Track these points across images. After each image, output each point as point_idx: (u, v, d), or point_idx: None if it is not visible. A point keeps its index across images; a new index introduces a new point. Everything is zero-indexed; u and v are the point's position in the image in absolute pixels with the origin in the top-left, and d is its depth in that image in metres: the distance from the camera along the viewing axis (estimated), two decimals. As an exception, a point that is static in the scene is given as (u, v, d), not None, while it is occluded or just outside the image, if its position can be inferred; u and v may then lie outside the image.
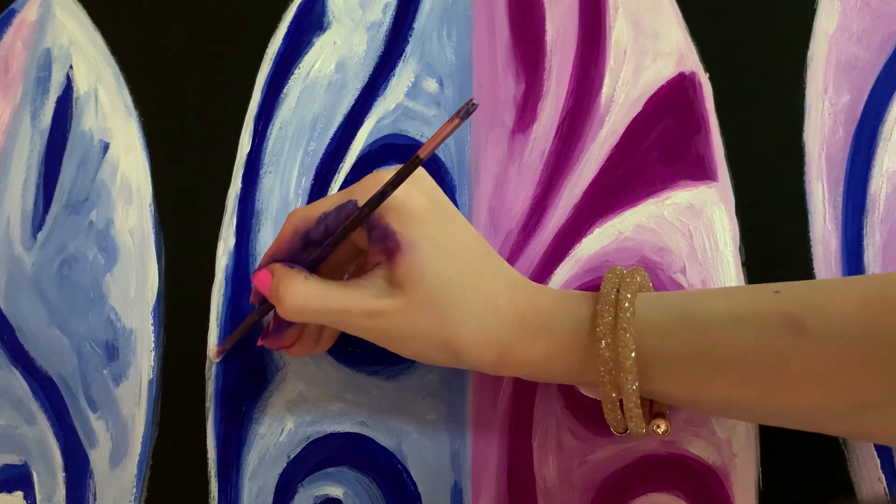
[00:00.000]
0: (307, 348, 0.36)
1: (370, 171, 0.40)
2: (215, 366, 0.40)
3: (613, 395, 0.30)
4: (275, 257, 0.34)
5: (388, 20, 0.42)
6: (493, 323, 0.31)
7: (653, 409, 0.33)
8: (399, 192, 0.31)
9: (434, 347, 0.32)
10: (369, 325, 0.32)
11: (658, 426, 0.31)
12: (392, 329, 0.31)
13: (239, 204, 0.41)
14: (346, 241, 0.33)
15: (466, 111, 0.26)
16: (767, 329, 0.27)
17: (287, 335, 0.35)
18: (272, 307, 0.34)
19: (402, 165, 0.30)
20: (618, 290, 0.30)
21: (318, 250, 0.33)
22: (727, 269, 0.36)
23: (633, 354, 0.29)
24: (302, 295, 0.31)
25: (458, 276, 0.31)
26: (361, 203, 0.31)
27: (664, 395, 0.31)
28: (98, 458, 0.40)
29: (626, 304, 0.29)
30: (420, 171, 0.31)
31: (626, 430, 0.31)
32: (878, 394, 0.25)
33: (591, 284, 0.37)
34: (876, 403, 0.26)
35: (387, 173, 0.31)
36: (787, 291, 0.28)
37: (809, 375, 0.26)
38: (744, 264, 0.36)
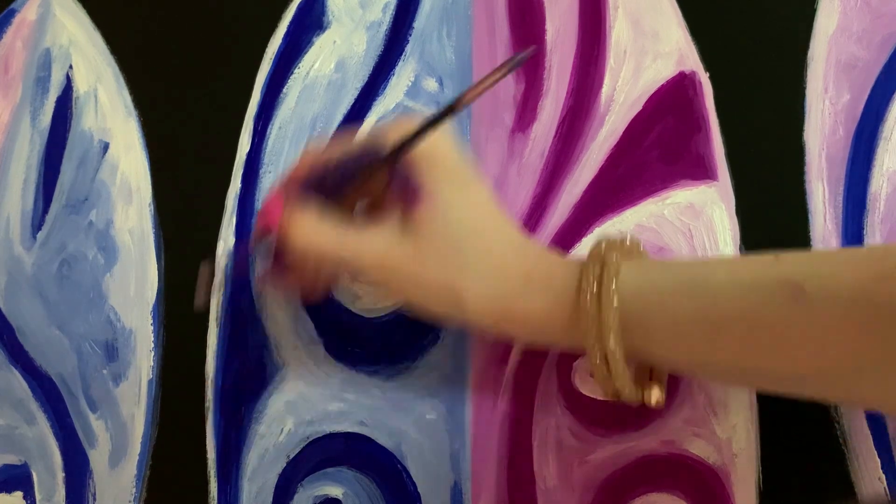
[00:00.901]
0: (307, 292, 0.36)
1: (370, 170, 0.40)
2: (215, 366, 0.40)
3: (599, 354, 0.30)
4: (287, 189, 0.34)
5: (387, 20, 0.42)
6: (498, 281, 0.31)
7: (652, 377, 0.32)
8: (426, 142, 0.31)
9: (438, 299, 0.32)
10: (379, 271, 0.32)
11: (651, 394, 0.31)
12: (400, 276, 0.32)
13: (239, 204, 0.41)
14: (366, 186, 0.33)
15: (517, 61, 0.25)
16: (767, 293, 0.27)
17: (289, 276, 0.35)
18: (274, 242, 0.33)
19: (433, 113, 0.30)
20: (605, 248, 0.31)
21: (337, 182, 0.32)
22: (727, 268, 0.36)
23: (615, 308, 0.29)
24: (311, 230, 0.32)
25: (471, 233, 0.32)
26: (388, 146, 0.31)
27: (664, 359, 0.31)
28: (98, 458, 0.40)
29: (613, 260, 0.30)
30: (447, 126, 0.32)
31: (618, 394, 0.31)
32: (874, 359, 0.26)
33: (591, 284, 0.37)
34: (871, 369, 0.26)
35: (415, 120, 0.31)
36: (786, 258, 0.28)
37: (807, 340, 0.27)
38: (744, 264, 0.36)
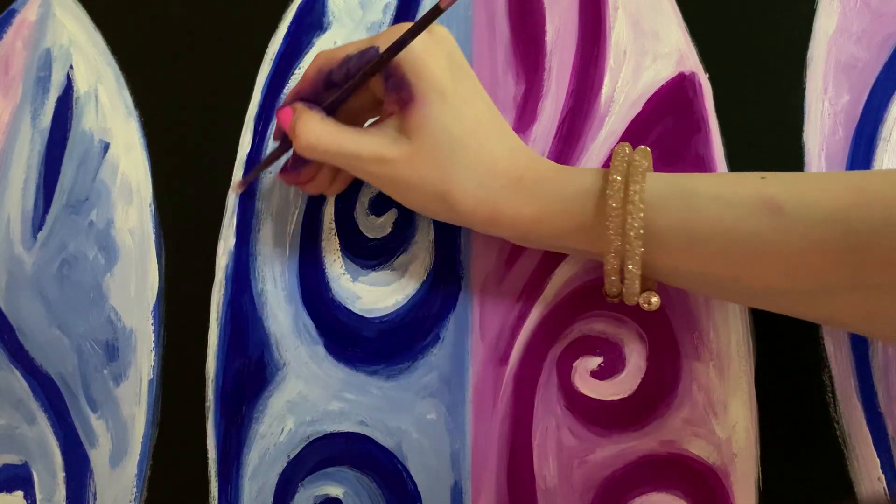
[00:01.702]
0: (321, 187, 0.38)
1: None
2: (215, 366, 0.40)
3: (615, 260, 0.31)
4: (299, 96, 0.36)
5: (388, 20, 0.42)
6: (490, 182, 0.33)
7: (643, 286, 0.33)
8: (419, 46, 0.32)
9: (433, 199, 0.33)
10: (377, 171, 0.34)
11: (650, 298, 0.32)
12: (396, 177, 0.33)
13: (239, 204, 0.41)
14: (366, 91, 0.35)
15: None
16: (746, 209, 0.28)
17: (303, 172, 0.37)
18: (291, 145, 0.35)
19: (421, 17, 0.31)
20: (629, 163, 0.31)
21: (338, 92, 0.34)
22: (727, 269, 0.36)
23: (641, 218, 0.30)
24: (316, 133, 0.34)
25: (463, 134, 0.33)
26: (383, 49, 0.33)
27: (645, 264, 0.32)
28: (98, 457, 0.40)
29: (641, 166, 0.30)
30: (443, 32, 0.33)
31: (619, 296, 0.32)
32: (843, 279, 0.27)
33: (591, 284, 0.37)
34: (840, 288, 0.27)
35: (410, 24, 0.32)
36: (771, 178, 0.29)
37: (781, 256, 0.28)
38: (744, 264, 0.36)
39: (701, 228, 0.29)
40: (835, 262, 0.27)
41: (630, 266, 0.30)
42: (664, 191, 0.30)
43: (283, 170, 0.38)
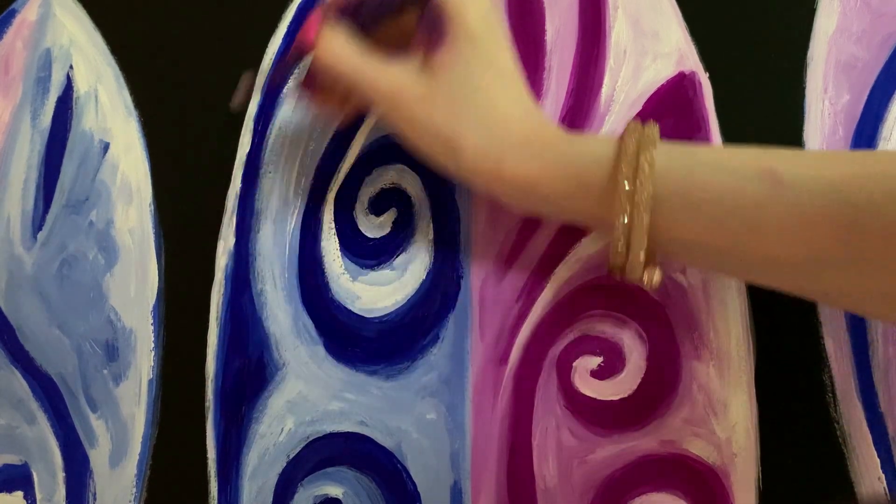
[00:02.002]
0: (334, 104, 0.38)
1: (370, 171, 0.40)
2: (215, 366, 0.40)
3: (624, 228, 0.31)
4: (326, 9, 0.35)
5: (388, 20, 0.42)
6: (497, 138, 0.33)
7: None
8: None
9: (438, 145, 0.34)
10: (389, 104, 0.34)
11: (653, 274, 0.32)
12: (408, 116, 0.34)
13: (239, 204, 0.41)
14: (397, 24, 0.35)
15: None
16: (745, 178, 0.28)
17: (320, 85, 0.37)
18: (311, 50, 0.35)
19: None
20: (641, 133, 0.31)
21: (372, 14, 0.34)
22: (727, 268, 0.36)
23: (651, 186, 0.30)
24: (336, 53, 0.34)
25: (483, 86, 0.33)
26: None
27: (655, 237, 0.32)
28: (98, 457, 0.40)
29: (653, 136, 0.31)
30: None
31: (623, 269, 0.32)
32: (838, 253, 0.27)
33: (591, 284, 0.37)
34: (834, 262, 0.27)
35: None
36: (773, 150, 0.30)
37: (778, 226, 0.28)
38: (744, 264, 0.36)
39: (700, 196, 0.29)
40: (831, 234, 0.27)
41: (636, 234, 0.30)
42: (665, 158, 0.30)
43: (305, 80, 0.37)
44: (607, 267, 0.33)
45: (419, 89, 0.33)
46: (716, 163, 0.30)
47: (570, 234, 0.38)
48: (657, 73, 0.39)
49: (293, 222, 0.40)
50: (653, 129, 0.31)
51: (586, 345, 0.37)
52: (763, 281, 0.32)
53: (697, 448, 0.35)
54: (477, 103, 0.33)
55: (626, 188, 0.30)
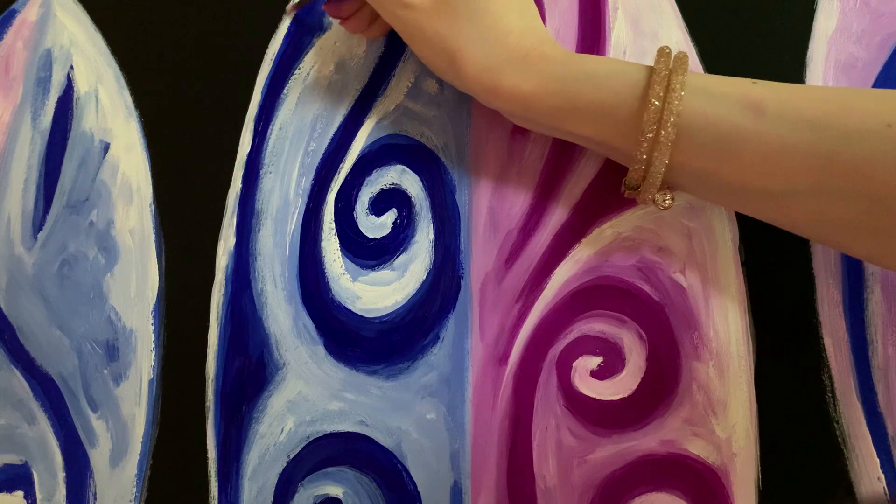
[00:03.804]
0: (360, 27, 0.40)
1: (370, 171, 0.40)
2: (215, 366, 0.40)
3: (646, 146, 0.32)
4: None
5: (388, 20, 0.42)
6: (496, 53, 0.34)
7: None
8: None
9: (441, 57, 0.35)
10: (401, 15, 0.36)
11: (666, 195, 0.33)
12: (416, 25, 0.35)
13: (239, 204, 0.41)
14: None
15: None
16: (729, 107, 0.30)
17: (345, 6, 0.39)
18: None
19: None
20: (670, 56, 0.32)
21: None
22: (727, 269, 0.36)
23: (679, 109, 0.30)
24: None
25: (486, 3, 0.34)
26: None
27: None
28: (98, 457, 0.40)
29: (685, 62, 0.31)
30: None
31: (638, 189, 0.33)
32: (810, 183, 0.29)
33: (591, 284, 0.37)
34: (805, 192, 0.29)
35: None
36: (762, 84, 0.31)
37: (758, 155, 0.29)
38: (743, 264, 0.36)
39: (688, 121, 0.31)
40: (805, 166, 0.28)
41: (659, 155, 0.31)
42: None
43: (329, 1, 0.39)
44: (623, 185, 0.34)
45: (427, 2, 0.35)
46: (703, 88, 0.31)
47: (569, 235, 0.38)
48: (657, 74, 0.39)
49: (293, 222, 0.40)
50: (684, 55, 0.32)
51: (586, 345, 0.37)
52: (738, 207, 0.33)
53: (697, 448, 0.35)
54: (478, 18, 0.34)
55: (655, 109, 0.31)
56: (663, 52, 0.32)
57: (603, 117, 0.32)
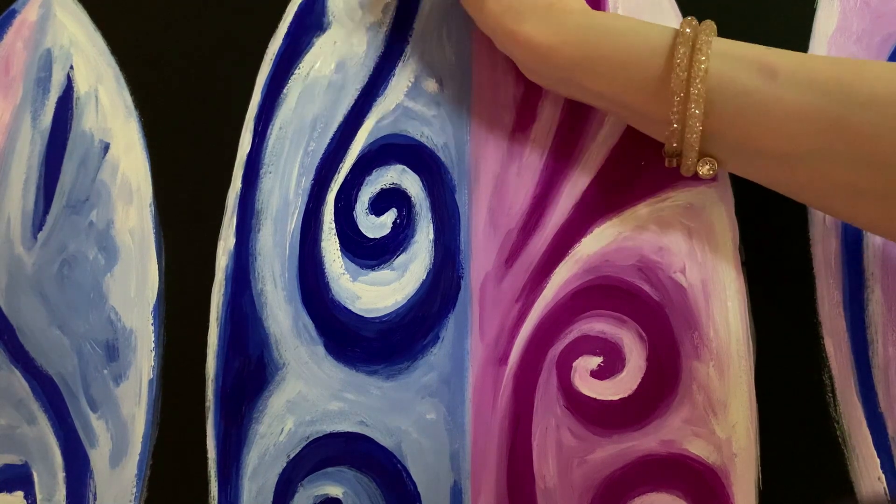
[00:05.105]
0: None
1: (370, 171, 0.40)
2: (215, 366, 0.40)
3: (681, 109, 0.31)
4: None
5: (388, 20, 0.42)
6: None
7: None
8: None
9: None
10: None
11: (705, 163, 0.33)
12: None
13: (239, 204, 0.41)
14: None
15: None
16: (743, 70, 0.30)
17: None
18: None
19: None
20: (697, 24, 0.32)
21: None
22: (727, 268, 0.36)
23: (706, 68, 0.31)
24: None
25: None
26: None
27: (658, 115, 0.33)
28: (98, 457, 0.40)
29: (712, 27, 0.32)
30: None
31: (679, 155, 0.33)
32: (818, 147, 0.29)
33: (590, 284, 0.37)
34: (812, 156, 0.29)
35: None
36: (776, 50, 0.31)
37: (769, 117, 0.30)
38: (744, 264, 0.36)
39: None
40: (814, 129, 0.29)
41: (692, 115, 0.31)
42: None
43: None
44: (662, 153, 0.34)
45: None
46: (719, 52, 0.31)
47: (570, 235, 0.38)
48: (657, 73, 0.39)
49: (293, 222, 0.40)
50: (710, 22, 0.32)
51: (586, 345, 0.37)
52: (745, 169, 0.33)
53: (697, 448, 0.35)
54: None
55: (681, 69, 0.31)
56: (688, 20, 0.32)
57: (621, 71, 0.32)
